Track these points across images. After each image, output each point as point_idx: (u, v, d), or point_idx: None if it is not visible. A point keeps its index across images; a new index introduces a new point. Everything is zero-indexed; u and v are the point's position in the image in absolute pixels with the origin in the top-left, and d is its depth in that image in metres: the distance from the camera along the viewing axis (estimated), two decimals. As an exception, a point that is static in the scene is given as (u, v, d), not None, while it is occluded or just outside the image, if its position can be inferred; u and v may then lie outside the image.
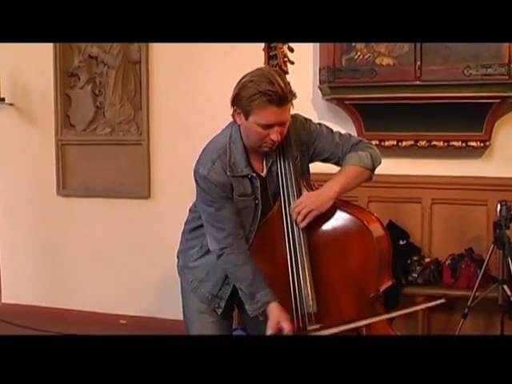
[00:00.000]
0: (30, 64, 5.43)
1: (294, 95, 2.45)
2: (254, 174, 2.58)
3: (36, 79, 5.55)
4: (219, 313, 2.77)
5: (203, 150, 2.63)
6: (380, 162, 2.67)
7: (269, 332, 2.46)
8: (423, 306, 2.52)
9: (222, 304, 2.76)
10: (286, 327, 2.45)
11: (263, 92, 2.36)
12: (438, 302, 2.43)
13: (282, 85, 2.39)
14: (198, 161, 2.61)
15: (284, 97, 2.39)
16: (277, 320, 2.47)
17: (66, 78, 5.49)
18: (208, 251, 2.69)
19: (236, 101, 2.46)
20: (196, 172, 2.59)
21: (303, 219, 2.50)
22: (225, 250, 2.57)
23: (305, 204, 2.50)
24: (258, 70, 2.52)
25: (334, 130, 2.73)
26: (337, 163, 2.69)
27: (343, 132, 2.76)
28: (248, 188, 2.59)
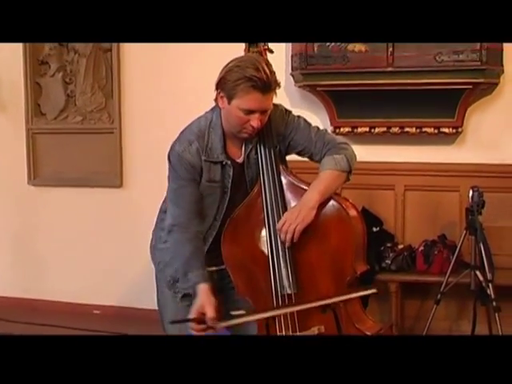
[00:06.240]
0: (-2, 51, 5.36)
1: (278, 84, 2.49)
2: (229, 162, 2.59)
3: (5, 67, 5.47)
4: (178, 298, 2.74)
5: (183, 131, 2.65)
6: (355, 161, 2.67)
7: (190, 315, 2.44)
8: (354, 295, 2.53)
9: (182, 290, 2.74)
10: (209, 313, 2.41)
11: (249, 77, 2.40)
12: (370, 291, 2.49)
13: (268, 72, 2.43)
14: (176, 138, 2.64)
15: (268, 84, 2.43)
16: (202, 303, 2.45)
17: (36, 65, 5.43)
18: None
19: (221, 84, 2.49)
20: (172, 148, 2.61)
21: (292, 236, 2.50)
22: (174, 228, 2.60)
23: (290, 221, 2.50)
24: (245, 56, 2.58)
25: (313, 124, 2.72)
26: (310, 158, 2.70)
27: (321, 126, 2.76)
28: (218, 175, 2.60)
